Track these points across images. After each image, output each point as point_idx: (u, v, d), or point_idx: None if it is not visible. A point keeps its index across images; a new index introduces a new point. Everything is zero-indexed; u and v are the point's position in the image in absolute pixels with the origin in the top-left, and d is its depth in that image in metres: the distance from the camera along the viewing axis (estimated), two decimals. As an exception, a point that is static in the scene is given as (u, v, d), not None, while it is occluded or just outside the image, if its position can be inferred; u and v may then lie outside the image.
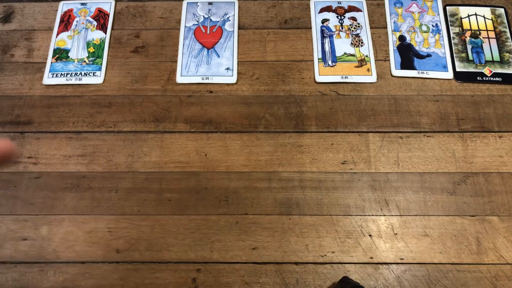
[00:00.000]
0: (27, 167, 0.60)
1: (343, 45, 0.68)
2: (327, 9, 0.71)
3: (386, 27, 0.70)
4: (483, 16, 0.70)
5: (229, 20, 0.71)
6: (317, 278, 0.53)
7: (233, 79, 0.66)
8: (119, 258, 0.55)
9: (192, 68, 0.67)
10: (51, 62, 0.68)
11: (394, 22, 0.70)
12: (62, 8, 0.72)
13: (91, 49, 0.69)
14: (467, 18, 0.70)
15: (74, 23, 0.71)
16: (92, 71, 0.67)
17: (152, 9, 0.72)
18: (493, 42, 0.68)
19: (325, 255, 0.55)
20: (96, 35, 0.70)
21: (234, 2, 0.72)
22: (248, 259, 0.55)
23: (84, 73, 0.67)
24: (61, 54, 0.68)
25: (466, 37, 0.69)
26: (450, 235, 0.56)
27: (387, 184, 0.59)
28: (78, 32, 0.70)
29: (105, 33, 0.70)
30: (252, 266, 0.54)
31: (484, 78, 0.66)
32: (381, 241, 0.55)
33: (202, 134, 0.62)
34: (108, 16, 0.72)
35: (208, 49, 0.68)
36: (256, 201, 0.58)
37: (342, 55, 0.67)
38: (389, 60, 0.67)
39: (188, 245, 0.55)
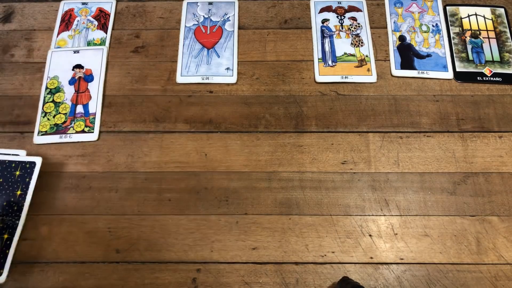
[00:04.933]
0: (27, 167, 0.60)
1: (343, 45, 0.68)
2: (327, 9, 0.71)
3: (386, 27, 0.70)
4: (483, 16, 0.70)
5: (229, 20, 0.71)
6: (317, 278, 0.53)
7: (233, 79, 0.66)
8: (119, 258, 0.55)
9: (192, 68, 0.67)
10: (51, 62, 0.68)
11: (394, 22, 0.70)
12: (63, 7, 0.72)
13: (91, 49, 0.69)
14: (467, 18, 0.70)
15: (75, 22, 0.71)
16: (92, 71, 0.67)
17: (152, 9, 0.72)
18: (493, 42, 0.68)
19: (325, 255, 0.55)
20: (97, 35, 0.70)
21: (234, 2, 0.72)
22: (248, 259, 0.55)
23: (84, 73, 0.67)
24: (61, 54, 0.68)
25: (466, 37, 0.69)
26: (450, 235, 0.56)
27: (387, 184, 0.59)
28: (79, 32, 0.70)
29: (106, 33, 0.70)
30: (252, 266, 0.54)
31: (484, 78, 0.66)
32: (381, 241, 0.55)
33: (202, 134, 0.62)
34: (109, 16, 0.72)
35: (208, 49, 0.68)
36: (256, 201, 0.58)
37: (342, 55, 0.67)
38: (389, 60, 0.67)
39: (188, 245, 0.55)
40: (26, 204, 0.56)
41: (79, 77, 0.66)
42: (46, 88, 0.65)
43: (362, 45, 0.68)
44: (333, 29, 0.70)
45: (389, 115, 0.63)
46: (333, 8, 0.71)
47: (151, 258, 0.55)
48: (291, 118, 0.63)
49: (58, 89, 0.65)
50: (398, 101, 0.64)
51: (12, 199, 0.55)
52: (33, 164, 0.57)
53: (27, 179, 0.56)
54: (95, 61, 0.67)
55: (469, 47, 0.68)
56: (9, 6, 0.73)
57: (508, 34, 0.69)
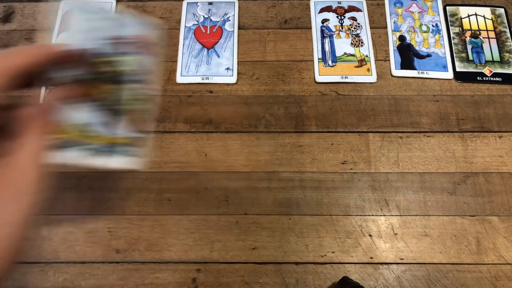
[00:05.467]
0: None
1: (343, 45, 0.68)
2: (327, 9, 0.71)
3: (386, 27, 0.70)
4: (483, 16, 0.70)
5: (229, 20, 0.71)
6: (317, 278, 0.53)
7: (233, 79, 0.66)
8: (119, 258, 0.55)
9: (192, 68, 0.67)
10: (51, 62, 0.68)
11: (394, 22, 0.70)
12: (63, 7, 0.72)
13: (91, 49, 0.69)
14: (467, 18, 0.70)
15: (74, 23, 0.71)
16: (92, 71, 0.67)
17: (152, 9, 0.72)
18: (493, 42, 0.68)
19: (325, 255, 0.55)
20: (96, 35, 0.70)
21: (234, 2, 0.72)
22: (248, 259, 0.55)
23: (84, 73, 0.67)
24: (61, 54, 0.68)
25: (466, 37, 0.69)
26: (450, 235, 0.56)
27: (387, 184, 0.59)
28: (78, 32, 0.70)
29: (105, 33, 0.70)
30: (252, 266, 0.54)
31: (484, 78, 0.66)
32: (381, 241, 0.55)
33: (202, 134, 0.62)
34: (108, 16, 0.72)
35: (208, 49, 0.68)
36: (256, 201, 0.58)
37: (342, 55, 0.67)
38: (389, 60, 0.67)
39: (188, 245, 0.55)
40: None
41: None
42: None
43: (362, 45, 0.68)
44: (333, 29, 0.70)
45: (389, 115, 0.63)
46: (333, 8, 0.71)
47: (151, 258, 0.55)
48: (291, 118, 0.63)
49: (58, 89, 0.65)
50: (398, 101, 0.64)
51: None
52: None
53: None
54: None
55: (469, 47, 0.68)
56: (9, 6, 0.73)
57: (508, 34, 0.69)
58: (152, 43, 0.33)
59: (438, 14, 0.71)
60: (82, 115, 0.34)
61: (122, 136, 0.34)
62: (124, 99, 0.33)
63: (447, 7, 0.71)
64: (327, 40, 0.69)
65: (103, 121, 0.34)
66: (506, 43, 0.68)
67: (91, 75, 0.31)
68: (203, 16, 0.71)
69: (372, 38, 0.69)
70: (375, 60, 0.67)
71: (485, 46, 0.68)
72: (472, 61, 0.67)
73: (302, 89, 0.65)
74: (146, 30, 0.34)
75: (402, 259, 0.54)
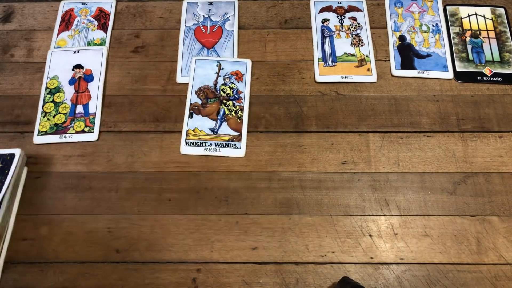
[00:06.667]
0: (27, 167, 0.60)
1: (343, 45, 0.68)
2: (327, 9, 0.71)
3: (386, 27, 0.70)
4: (483, 16, 0.70)
5: (229, 20, 0.71)
6: (317, 278, 0.53)
7: (233, 79, 0.66)
8: (119, 258, 0.55)
9: (192, 68, 0.67)
10: (51, 62, 0.68)
11: (394, 22, 0.70)
12: (63, 7, 0.72)
13: (91, 49, 0.69)
14: (467, 18, 0.70)
15: (75, 22, 0.71)
16: (92, 71, 0.67)
17: (152, 9, 0.72)
18: (493, 42, 0.68)
19: (325, 255, 0.55)
20: (97, 35, 0.70)
21: (234, 2, 0.72)
22: (248, 259, 0.55)
23: (84, 73, 0.67)
24: (61, 54, 0.68)
25: (466, 37, 0.69)
26: (450, 235, 0.56)
27: (387, 184, 0.59)
28: (79, 32, 0.70)
29: (106, 33, 0.70)
30: (252, 266, 0.54)
31: (484, 78, 0.66)
32: (381, 241, 0.55)
33: (202, 134, 0.62)
34: (109, 16, 0.72)
35: (208, 48, 0.68)
36: (256, 201, 0.58)
37: (342, 55, 0.67)
38: (389, 60, 0.67)
39: (188, 245, 0.55)
40: (6, 197, 0.55)
41: (79, 77, 0.66)
42: (46, 88, 0.65)
43: (362, 45, 0.68)
44: (333, 29, 0.70)
45: (389, 115, 0.63)
46: (333, 8, 0.71)
47: (151, 258, 0.55)
48: (291, 118, 0.63)
49: (58, 89, 0.65)
50: (398, 101, 0.64)
51: None
52: (12, 156, 0.57)
53: (6, 171, 0.56)
54: (95, 61, 0.67)
55: (469, 47, 0.68)
56: (9, 6, 0.73)
57: (508, 34, 0.69)
58: (243, 74, 0.57)
59: (438, 14, 0.71)
60: (208, 123, 0.60)
61: (226, 135, 0.58)
62: (227, 111, 0.57)
63: (447, 7, 0.71)
64: (327, 40, 0.69)
65: (213, 126, 0.57)
66: (506, 43, 0.68)
67: (215, 98, 0.55)
68: (203, 15, 0.71)
69: (372, 38, 0.69)
70: (375, 60, 0.67)
71: (485, 46, 0.68)
72: (472, 61, 0.67)
73: (302, 89, 0.65)
74: (239, 66, 0.58)
75: (402, 259, 0.54)
